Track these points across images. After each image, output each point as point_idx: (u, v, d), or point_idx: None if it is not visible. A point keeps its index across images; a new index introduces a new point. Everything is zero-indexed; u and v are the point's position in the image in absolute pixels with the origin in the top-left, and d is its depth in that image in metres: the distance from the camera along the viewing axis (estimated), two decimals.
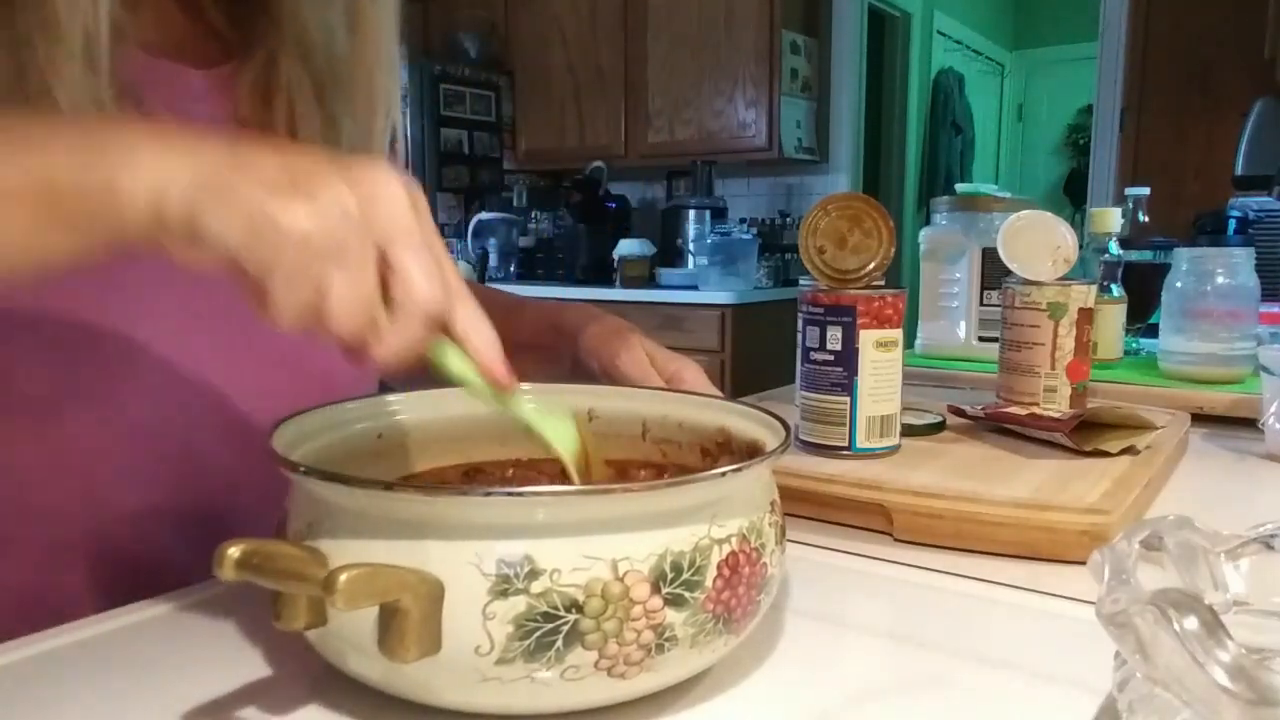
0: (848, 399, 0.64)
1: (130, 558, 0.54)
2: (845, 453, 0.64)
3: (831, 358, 0.64)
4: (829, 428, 0.65)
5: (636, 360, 0.60)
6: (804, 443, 0.66)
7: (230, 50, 0.59)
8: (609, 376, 0.61)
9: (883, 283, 0.66)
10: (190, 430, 0.55)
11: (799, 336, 0.66)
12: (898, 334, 0.64)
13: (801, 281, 0.68)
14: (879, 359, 0.63)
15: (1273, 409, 0.75)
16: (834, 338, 0.63)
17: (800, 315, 0.66)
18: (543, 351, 0.68)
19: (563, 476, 0.46)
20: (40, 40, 0.46)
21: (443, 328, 0.36)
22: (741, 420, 0.46)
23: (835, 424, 0.64)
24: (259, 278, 0.33)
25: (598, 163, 3.67)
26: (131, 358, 0.53)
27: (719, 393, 0.56)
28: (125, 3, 0.49)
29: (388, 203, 0.35)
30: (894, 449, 0.65)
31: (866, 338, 0.63)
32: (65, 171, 0.36)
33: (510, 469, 0.51)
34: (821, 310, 0.64)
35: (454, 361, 0.37)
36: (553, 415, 0.43)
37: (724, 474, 0.35)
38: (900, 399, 0.65)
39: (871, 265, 0.65)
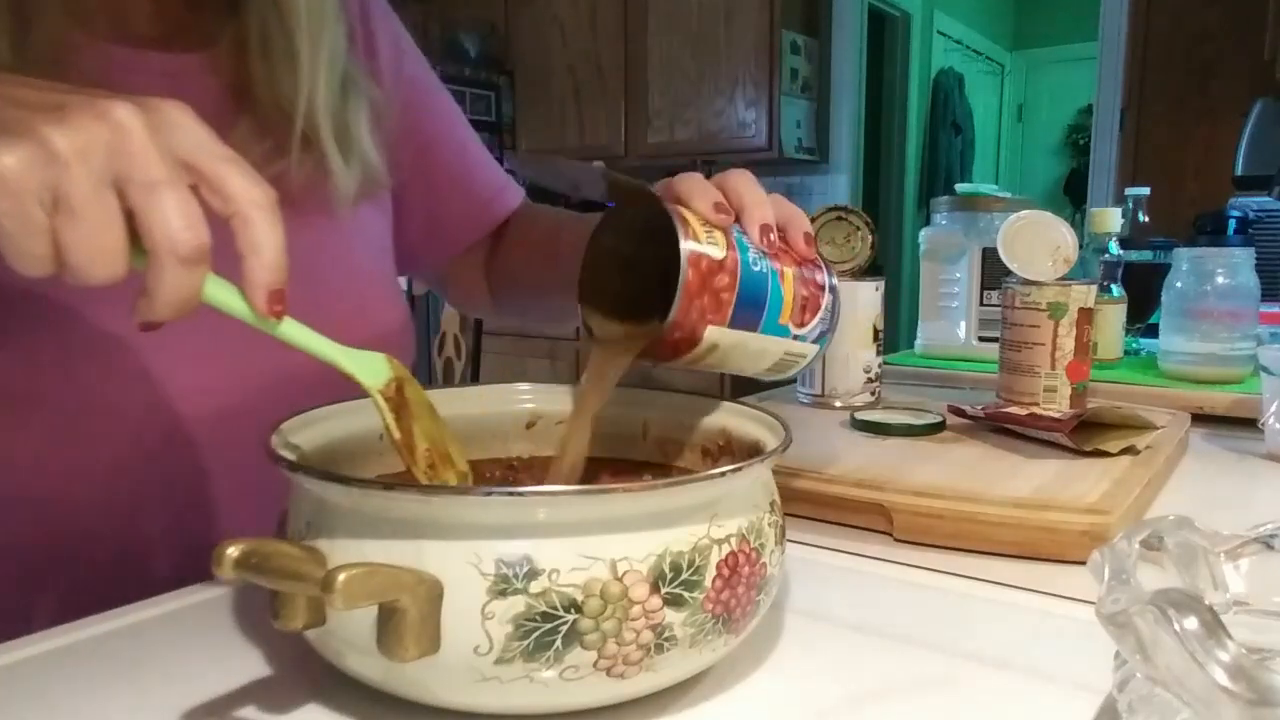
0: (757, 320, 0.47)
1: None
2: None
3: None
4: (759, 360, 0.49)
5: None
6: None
7: (221, 26, 0.60)
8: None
9: None
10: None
11: None
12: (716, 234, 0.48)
13: None
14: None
15: (1273, 409, 0.75)
16: None
17: None
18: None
19: (560, 475, 0.46)
20: None
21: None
22: (742, 420, 0.46)
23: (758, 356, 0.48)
24: None
25: (598, 163, 3.66)
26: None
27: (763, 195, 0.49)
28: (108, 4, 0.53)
29: (114, 138, 0.31)
30: (823, 341, 0.49)
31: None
32: None
33: (509, 468, 0.51)
34: None
35: (222, 296, 0.34)
36: (362, 352, 0.39)
37: (723, 474, 0.34)
38: (796, 271, 0.49)
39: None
